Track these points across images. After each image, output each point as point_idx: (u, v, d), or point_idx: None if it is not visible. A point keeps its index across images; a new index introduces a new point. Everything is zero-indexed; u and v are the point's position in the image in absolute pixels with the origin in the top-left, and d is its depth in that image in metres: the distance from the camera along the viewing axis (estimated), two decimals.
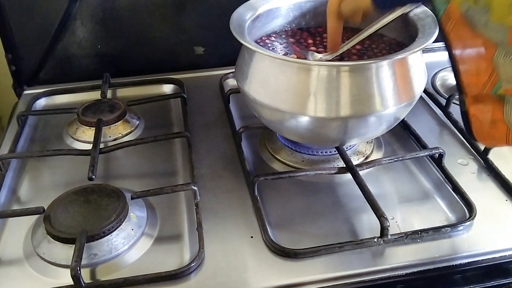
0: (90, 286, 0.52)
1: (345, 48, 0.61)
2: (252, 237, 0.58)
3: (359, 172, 0.64)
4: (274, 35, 0.73)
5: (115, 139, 0.77)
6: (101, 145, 0.72)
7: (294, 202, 0.64)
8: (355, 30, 0.64)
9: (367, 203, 0.59)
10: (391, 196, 0.65)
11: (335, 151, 0.69)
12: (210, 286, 0.53)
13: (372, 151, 0.72)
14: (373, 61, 0.58)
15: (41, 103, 0.88)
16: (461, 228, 0.58)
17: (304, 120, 0.60)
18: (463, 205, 0.62)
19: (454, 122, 0.76)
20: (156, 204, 0.64)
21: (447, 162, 0.67)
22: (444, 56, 0.96)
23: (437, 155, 0.67)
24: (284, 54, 0.68)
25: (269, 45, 0.70)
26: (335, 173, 0.66)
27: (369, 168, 0.66)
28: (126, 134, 0.78)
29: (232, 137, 0.76)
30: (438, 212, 0.62)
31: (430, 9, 0.52)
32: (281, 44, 0.70)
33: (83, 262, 0.53)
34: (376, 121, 0.60)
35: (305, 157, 0.70)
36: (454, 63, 0.45)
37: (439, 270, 0.54)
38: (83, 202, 0.60)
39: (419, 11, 0.63)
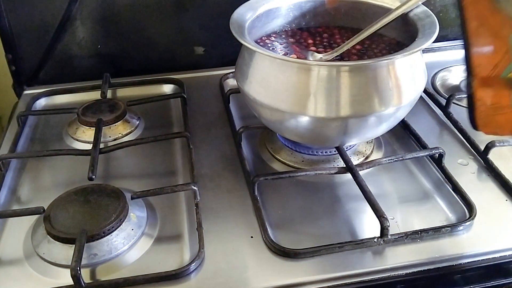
0: (90, 286, 0.52)
1: (345, 48, 0.61)
2: (252, 237, 0.58)
3: (359, 172, 0.64)
4: (274, 35, 0.73)
5: (115, 139, 0.77)
6: (101, 145, 0.72)
7: (294, 202, 0.64)
8: (355, 30, 0.64)
9: (367, 203, 0.59)
10: (391, 196, 0.65)
11: (335, 151, 0.69)
12: (210, 286, 0.53)
13: (372, 151, 0.72)
14: (373, 61, 0.58)
15: (41, 103, 0.88)
16: (461, 228, 0.58)
17: (304, 120, 0.60)
18: (463, 205, 0.62)
19: (454, 122, 0.76)
20: (156, 204, 0.64)
21: (447, 162, 0.67)
22: (444, 56, 0.97)
23: (437, 155, 0.67)
24: (284, 54, 0.68)
25: (269, 45, 0.70)
26: (335, 173, 0.66)
27: (369, 168, 0.66)
28: (126, 134, 0.78)
29: (232, 137, 0.76)
30: (438, 212, 0.62)
31: None
32: (281, 44, 0.70)
33: (83, 262, 0.53)
34: (376, 121, 0.60)
35: (305, 157, 0.70)
36: (466, 40, 0.44)
37: (439, 270, 0.54)
38: (83, 202, 0.60)
39: (419, 11, 0.63)
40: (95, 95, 0.85)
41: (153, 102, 0.84)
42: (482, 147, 0.69)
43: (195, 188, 0.62)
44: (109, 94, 0.86)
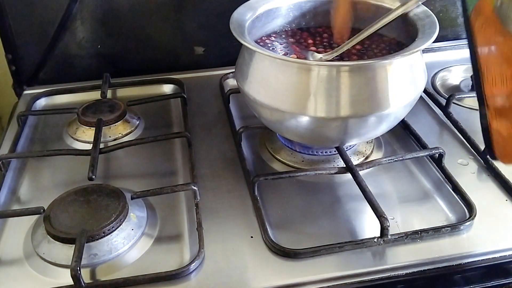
0: (90, 286, 0.52)
1: (345, 48, 0.61)
2: (252, 237, 0.58)
3: (359, 172, 0.64)
4: (274, 35, 0.73)
5: (115, 139, 0.77)
6: (101, 145, 0.72)
7: (294, 202, 0.64)
8: (355, 30, 0.64)
9: (367, 203, 0.59)
10: (391, 196, 0.65)
11: (335, 151, 0.69)
12: (210, 286, 0.53)
13: (372, 151, 0.72)
14: (373, 61, 0.58)
15: (41, 103, 0.88)
16: (461, 228, 0.58)
17: (304, 120, 0.60)
18: (463, 205, 0.62)
19: (454, 122, 0.76)
20: (156, 204, 0.64)
21: (447, 162, 0.67)
22: (444, 56, 0.97)
23: (437, 155, 0.67)
24: (284, 54, 0.68)
25: (269, 45, 0.70)
26: (335, 173, 0.66)
27: (369, 168, 0.66)
28: (126, 134, 0.78)
29: (232, 137, 0.76)
30: (438, 212, 0.62)
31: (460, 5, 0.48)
32: (281, 44, 0.70)
33: (83, 262, 0.53)
34: (376, 121, 0.60)
35: (305, 157, 0.70)
36: (477, 70, 0.42)
37: (439, 270, 0.54)
38: (83, 202, 0.60)
39: (419, 11, 0.63)
40: (95, 95, 0.85)
41: (153, 102, 0.84)
42: (482, 147, 0.69)
43: (195, 188, 0.62)
44: (109, 94, 0.86)
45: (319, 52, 0.67)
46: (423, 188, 0.66)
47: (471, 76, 0.87)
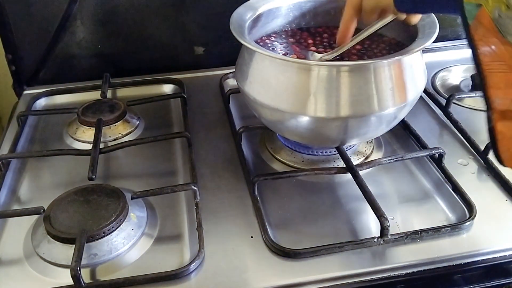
0: (90, 286, 0.52)
1: (345, 48, 0.61)
2: (252, 237, 0.58)
3: (359, 172, 0.64)
4: (274, 35, 0.73)
5: (115, 139, 0.77)
6: (101, 145, 0.72)
7: (294, 202, 0.64)
8: (355, 30, 0.64)
9: (367, 203, 0.59)
10: (391, 196, 0.65)
11: (335, 151, 0.69)
12: (210, 286, 0.53)
13: (372, 151, 0.72)
14: (373, 61, 0.58)
15: (41, 103, 0.88)
16: (461, 228, 0.58)
17: (304, 120, 0.60)
18: (463, 205, 0.62)
19: (454, 122, 0.76)
20: (156, 204, 0.64)
21: (447, 162, 0.67)
22: (444, 56, 0.97)
23: (437, 155, 0.67)
24: (284, 54, 0.68)
25: (269, 45, 0.70)
26: (335, 173, 0.66)
27: (369, 168, 0.66)
28: (126, 134, 0.78)
29: (232, 137, 0.76)
30: (438, 212, 0.62)
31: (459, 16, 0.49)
32: (281, 44, 0.70)
33: (83, 262, 0.53)
34: (376, 121, 0.60)
35: (305, 157, 0.70)
36: (481, 74, 0.43)
37: (439, 270, 0.54)
38: (83, 202, 0.60)
39: None
40: (95, 95, 0.85)
41: (153, 102, 0.84)
42: (482, 147, 0.69)
43: (195, 188, 0.62)
44: (109, 94, 0.87)
45: (319, 52, 0.67)
46: (423, 188, 0.66)
47: (471, 76, 0.87)
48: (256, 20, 0.69)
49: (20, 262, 0.57)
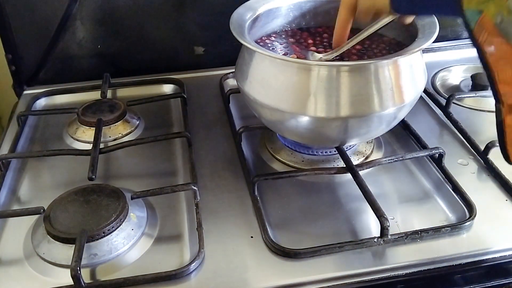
0: (90, 286, 0.52)
1: (345, 48, 0.61)
2: (252, 237, 0.58)
3: (359, 172, 0.64)
4: (274, 35, 0.73)
5: (115, 139, 0.77)
6: (101, 145, 0.72)
7: (294, 202, 0.64)
8: (355, 30, 0.64)
9: (367, 203, 0.59)
10: (391, 196, 0.65)
11: (335, 151, 0.69)
12: (210, 286, 0.53)
13: (372, 151, 0.72)
14: (373, 61, 0.58)
15: (41, 103, 0.88)
16: (461, 228, 0.58)
17: (304, 120, 0.60)
18: (463, 205, 0.62)
19: (454, 122, 0.76)
20: (156, 204, 0.64)
21: (447, 162, 0.67)
22: (444, 56, 0.97)
23: (437, 155, 0.67)
24: (284, 54, 0.68)
25: (269, 45, 0.70)
26: (335, 173, 0.66)
27: (369, 168, 0.66)
28: (126, 134, 0.78)
29: (232, 137, 0.76)
30: (438, 212, 0.62)
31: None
32: (281, 44, 0.70)
33: (83, 262, 0.53)
34: (376, 121, 0.60)
35: (305, 157, 0.70)
36: (489, 71, 0.43)
37: (439, 270, 0.54)
38: (83, 202, 0.60)
39: None
40: (95, 95, 0.85)
41: (153, 102, 0.84)
42: (482, 147, 0.69)
43: (195, 188, 0.62)
44: (109, 94, 0.87)
45: (319, 52, 0.67)
46: (423, 188, 0.66)
47: (471, 76, 0.87)
48: (256, 20, 0.69)
49: (20, 262, 0.57)
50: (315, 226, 0.60)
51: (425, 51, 0.60)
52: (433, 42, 0.57)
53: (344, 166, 0.66)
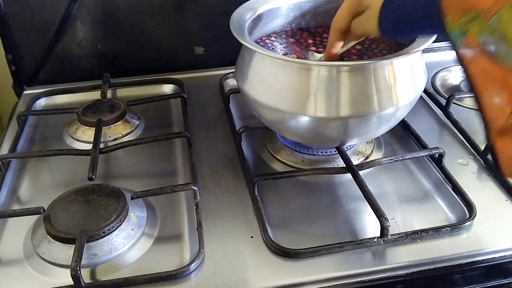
0: (90, 286, 0.52)
1: (344, 48, 0.61)
2: (252, 237, 0.58)
3: (359, 172, 0.64)
4: (274, 35, 0.73)
5: (115, 139, 0.77)
6: (101, 145, 0.72)
7: (294, 202, 0.64)
8: None
9: (367, 203, 0.59)
10: (391, 196, 0.65)
11: (335, 151, 0.69)
12: (210, 286, 0.53)
13: (372, 151, 0.72)
14: (373, 61, 0.58)
15: (41, 103, 0.88)
16: (461, 228, 0.58)
17: (304, 120, 0.60)
18: (463, 205, 0.62)
19: (454, 122, 0.76)
20: (156, 204, 0.64)
21: (447, 162, 0.67)
22: (444, 56, 0.97)
23: (437, 155, 0.67)
24: (284, 54, 0.68)
25: (269, 45, 0.70)
26: (335, 173, 0.66)
27: (369, 168, 0.66)
28: (126, 134, 0.78)
29: (232, 137, 0.76)
30: (438, 212, 0.62)
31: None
32: (281, 44, 0.70)
33: (83, 262, 0.53)
34: (376, 121, 0.60)
35: (305, 157, 0.70)
36: (476, 95, 0.43)
37: (439, 270, 0.54)
38: (83, 202, 0.60)
39: None
40: (95, 95, 0.85)
41: (153, 102, 0.84)
42: (482, 147, 0.69)
43: (195, 188, 0.62)
44: (109, 94, 0.87)
45: (319, 52, 0.67)
46: (423, 188, 0.66)
47: None
48: (256, 20, 0.69)
49: (20, 262, 0.57)
50: (315, 226, 0.60)
51: (425, 51, 0.60)
52: (433, 42, 0.57)
53: (344, 166, 0.66)
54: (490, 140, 0.44)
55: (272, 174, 0.67)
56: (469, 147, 0.72)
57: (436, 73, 0.92)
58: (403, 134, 0.76)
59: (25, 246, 0.58)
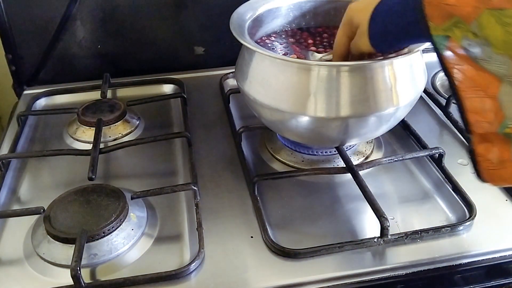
0: (90, 286, 0.52)
1: None
2: (252, 237, 0.58)
3: (359, 172, 0.64)
4: (274, 35, 0.73)
5: (115, 139, 0.77)
6: (101, 145, 0.72)
7: (294, 202, 0.64)
8: None
9: (367, 203, 0.59)
10: (391, 196, 0.65)
11: (335, 151, 0.69)
12: (210, 286, 0.53)
13: (372, 151, 0.72)
14: (373, 61, 0.58)
15: (41, 103, 0.88)
16: (461, 228, 0.58)
17: (304, 120, 0.60)
18: (463, 205, 0.62)
19: (454, 122, 0.76)
20: (156, 204, 0.64)
21: (447, 162, 0.67)
22: None
23: (437, 155, 0.67)
24: (284, 54, 0.68)
25: (269, 45, 0.70)
26: (335, 173, 0.66)
27: (369, 168, 0.66)
28: (126, 134, 0.78)
29: (232, 137, 0.76)
30: (438, 212, 0.62)
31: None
32: (281, 44, 0.70)
33: (83, 262, 0.53)
34: (376, 121, 0.60)
35: (305, 157, 0.70)
36: (459, 100, 0.44)
37: (439, 270, 0.54)
38: (83, 202, 0.60)
39: None
40: (95, 95, 0.85)
41: (153, 102, 0.84)
42: None
43: (195, 188, 0.62)
44: (109, 94, 0.87)
45: (319, 52, 0.67)
46: (423, 188, 0.66)
47: None
48: (256, 20, 0.69)
49: (20, 262, 0.57)
50: (315, 226, 0.60)
51: (425, 51, 0.60)
52: None
53: (344, 166, 0.65)
54: (471, 143, 0.44)
55: (272, 174, 0.67)
56: None
57: (436, 73, 0.92)
58: (403, 134, 0.76)
59: (25, 246, 0.58)
